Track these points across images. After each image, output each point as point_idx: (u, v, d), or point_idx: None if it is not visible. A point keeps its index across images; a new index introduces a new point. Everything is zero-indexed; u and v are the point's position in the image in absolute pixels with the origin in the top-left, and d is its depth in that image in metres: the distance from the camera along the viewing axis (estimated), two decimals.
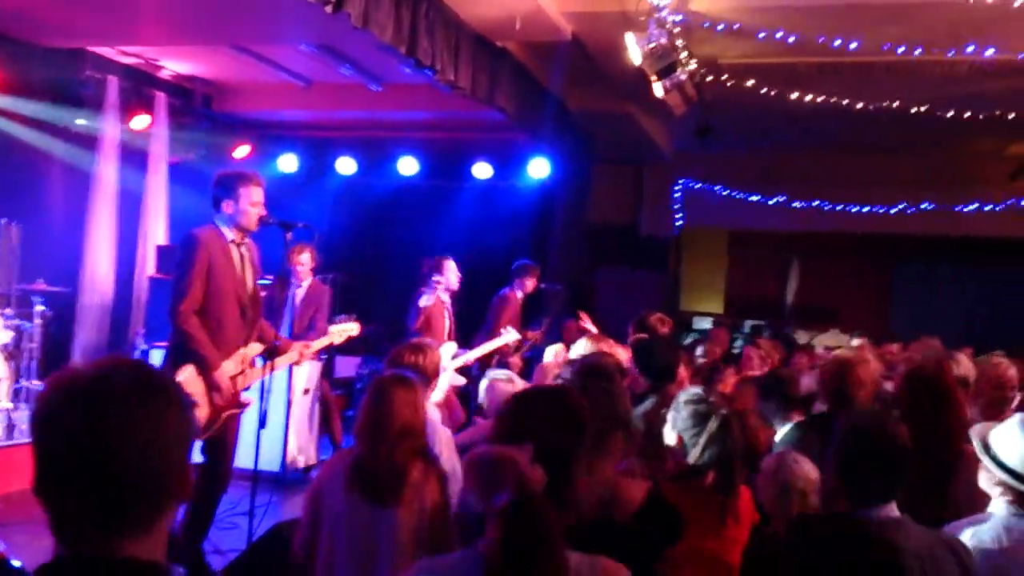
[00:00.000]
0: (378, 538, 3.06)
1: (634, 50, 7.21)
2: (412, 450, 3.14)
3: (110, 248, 9.19)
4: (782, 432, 4.06)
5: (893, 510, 2.44)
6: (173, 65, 9.75)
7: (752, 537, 3.11)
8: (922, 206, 12.45)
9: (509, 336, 7.54)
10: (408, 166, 11.30)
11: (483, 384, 4.49)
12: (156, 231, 9.72)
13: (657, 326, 5.72)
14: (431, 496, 3.09)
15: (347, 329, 5.42)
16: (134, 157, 9.53)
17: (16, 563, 2.46)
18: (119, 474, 1.24)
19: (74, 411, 1.25)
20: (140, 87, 9.54)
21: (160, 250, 9.21)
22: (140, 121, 9.46)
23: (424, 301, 7.22)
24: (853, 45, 7.30)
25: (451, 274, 7.50)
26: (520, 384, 4.00)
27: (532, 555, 1.75)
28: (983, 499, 3.23)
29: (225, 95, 10.68)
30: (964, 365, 4.81)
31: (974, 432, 2.70)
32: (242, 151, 10.99)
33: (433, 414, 3.87)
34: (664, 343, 4.58)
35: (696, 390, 3.23)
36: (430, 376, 3.88)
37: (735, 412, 3.26)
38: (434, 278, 7.31)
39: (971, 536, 2.53)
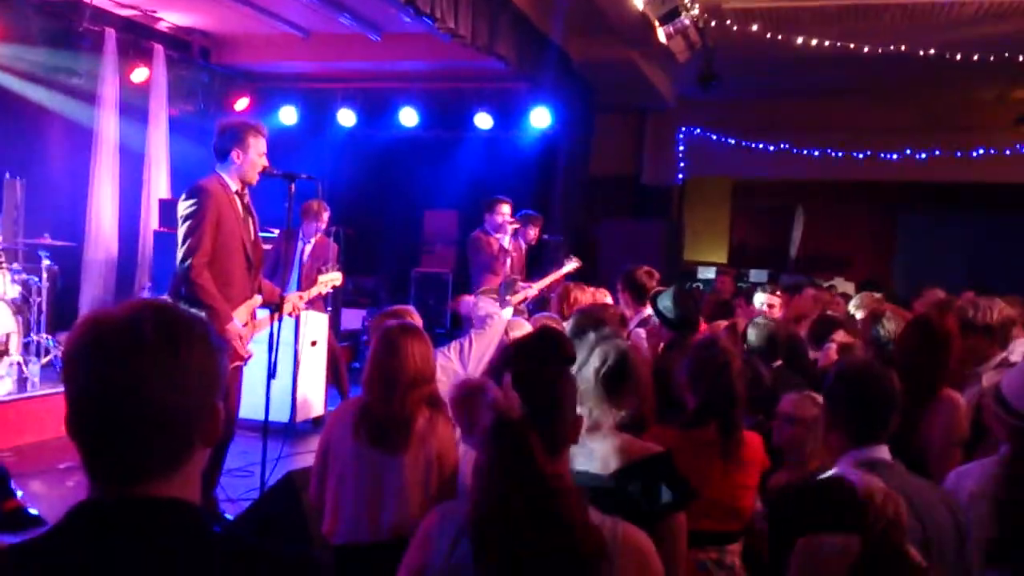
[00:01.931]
0: (384, 483, 3.12)
1: None
2: (421, 398, 3.18)
3: (113, 202, 9.19)
4: None
5: (885, 452, 2.52)
6: (171, 17, 9.65)
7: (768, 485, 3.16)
8: (926, 153, 12.39)
9: (570, 265, 7.63)
10: (409, 117, 11.23)
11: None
12: (158, 184, 9.70)
13: (645, 279, 5.72)
14: (437, 442, 3.14)
15: (332, 278, 5.51)
16: (134, 110, 9.48)
17: (33, 511, 2.51)
18: (148, 415, 1.26)
19: (103, 353, 1.26)
20: (138, 39, 9.46)
21: (163, 203, 9.21)
22: (139, 74, 9.40)
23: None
24: None
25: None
26: (523, 326, 4.04)
27: (515, 472, 1.74)
28: (946, 438, 3.31)
29: (224, 47, 10.59)
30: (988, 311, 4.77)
31: (987, 378, 2.74)
32: (242, 103, 10.93)
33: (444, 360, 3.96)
34: (684, 293, 4.60)
35: (710, 336, 3.25)
36: None
37: (739, 355, 3.28)
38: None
39: (980, 476, 2.57)
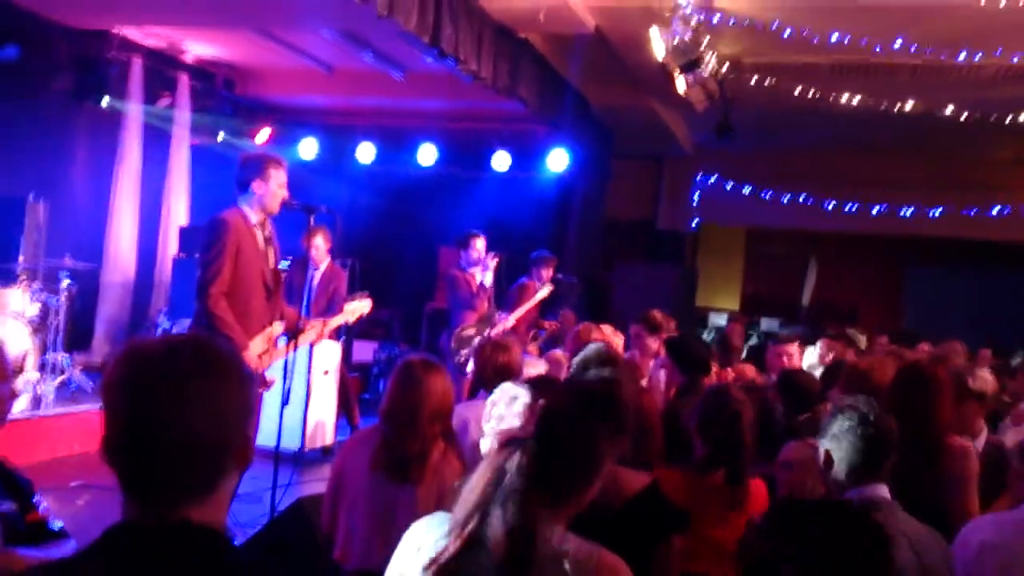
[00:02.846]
0: (397, 513, 3.16)
1: (658, 44, 7.26)
2: (438, 433, 3.23)
3: (133, 227, 9.32)
4: None
5: (884, 491, 2.58)
6: (196, 48, 9.84)
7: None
8: (938, 208, 12.45)
9: (544, 291, 7.78)
10: (427, 155, 11.36)
11: None
12: (178, 212, 9.84)
13: (664, 323, 5.80)
14: (451, 476, 3.18)
15: (360, 307, 5.47)
16: (157, 138, 9.65)
17: (58, 523, 2.55)
18: (183, 443, 1.31)
19: (143, 383, 1.32)
20: (164, 69, 9.66)
21: (183, 231, 9.33)
22: (163, 102, 9.58)
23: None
24: (878, 46, 7.31)
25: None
26: (538, 365, 4.08)
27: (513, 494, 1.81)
28: (965, 492, 3.33)
29: (247, 79, 10.77)
30: (982, 379, 4.85)
31: (1009, 437, 2.78)
32: (263, 135, 11.09)
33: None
34: (696, 338, 4.68)
35: (722, 385, 3.29)
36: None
37: (749, 404, 3.31)
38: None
39: (994, 527, 2.59)
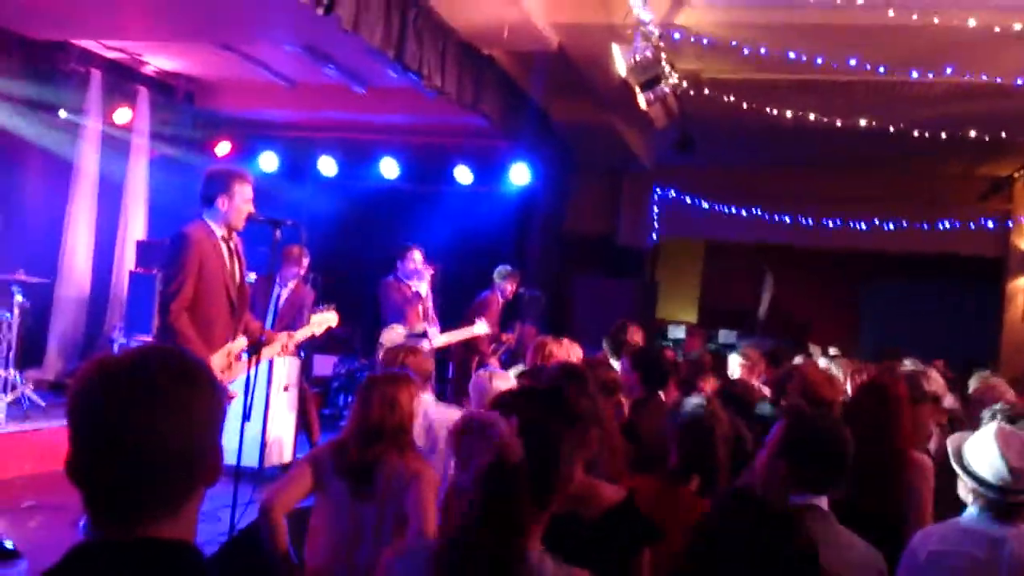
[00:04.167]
0: (361, 523, 3.18)
1: (619, 62, 7.34)
2: (402, 444, 3.27)
3: (89, 241, 9.18)
4: None
5: (822, 502, 2.61)
6: (156, 60, 9.74)
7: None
8: (893, 223, 12.70)
9: (480, 327, 7.68)
10: (389, 169, 11.35)
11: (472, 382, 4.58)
12: (136, 225, 9.71)
13: (631, 335, 5.86)
14: (414, 485, 3.19)
15: (327, 319, 5.46)
16: (115, 150, 9.52)
17: (8, 543, 2.50)
18: (155, 456, 1.29)
19: (109, 397, 1.30)
20: (123, 81, 9.54)
21: (140, 245, 9.20)
22: (122, 115, 9.47)
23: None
24: (835, 64, 7.46)
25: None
26: (506, 378, 4.09)
27: (505, 520, 1.78)
28: (921, 505, 3.42)
29: (208, 92, 10.68)
30: (935, 381, 4.97)
31: (950, 442, 2.84)
32: (223, 148, 11.00)
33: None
34: (658, 352, 4.73)
35: (700, 399, 3.32)
36: None
37: (724, 416, 3.35)
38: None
39: (939, 537, 2.66)
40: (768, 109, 8.62)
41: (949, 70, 7.62)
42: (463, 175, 11.17)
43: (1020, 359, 11.64)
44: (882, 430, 3.45)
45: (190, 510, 1.36)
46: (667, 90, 7.41)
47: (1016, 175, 11.57)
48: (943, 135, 8.85)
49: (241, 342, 4.74)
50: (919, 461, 3.57)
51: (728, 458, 3.21)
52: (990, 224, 12.79)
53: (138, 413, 1.29)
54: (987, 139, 8.90)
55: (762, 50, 7.38)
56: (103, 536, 1.31)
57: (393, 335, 7.28)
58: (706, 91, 8.54)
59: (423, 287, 7.61)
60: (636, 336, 5.68)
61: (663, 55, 7.27)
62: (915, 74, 7.76)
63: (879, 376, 3.93)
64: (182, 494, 1.34)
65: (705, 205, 13.41)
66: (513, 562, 1.82)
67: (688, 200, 13.58)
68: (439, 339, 7.44)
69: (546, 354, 5.47)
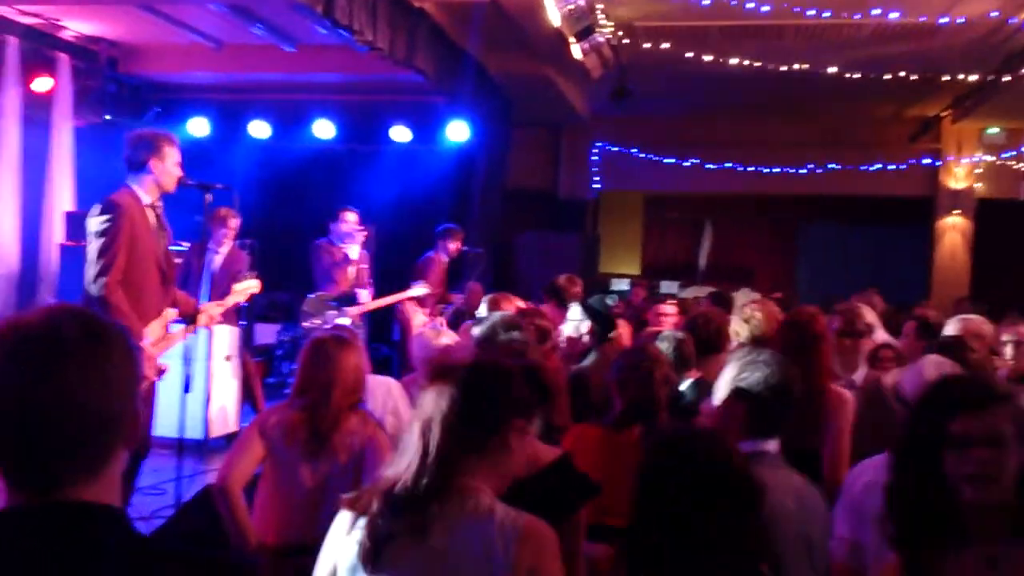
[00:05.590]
0: (316, 486, 3.17)
1: (552, 11, 7.26)
2: (352, 404, 3.26)
3: (15, 215, 8.86)
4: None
5: (773, 446, 2.63)
6: (76, 25, 9.37)
7: None
8: (827, 167, 12.89)
9: (416, 290, 7.64)
10: (324, 129, 11.13)
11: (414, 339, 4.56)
12: (63, 197, 9.40)
13: (568, 287, 5.86)
14: (368, 445, 3.18)
15: (249, 286, 5.35)
16: (37, 121, 9.17)
17: None
18: (72, 417, 1.26)
19: (25, 356, 1.25)
20: (41, 48, 9.17)
21: (69, 216, 8.92)
22: (42, 83, 9.11)
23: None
24: (765, 8, 7.48)
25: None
26: (450, 337, 4.07)
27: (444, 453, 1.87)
28: (839, 438, 3.49)
29: (131, 56, 10.33)
30: (868, 314, 5.06)
31: (889, 377, 2.90)
32: (151, 114, 10.68)
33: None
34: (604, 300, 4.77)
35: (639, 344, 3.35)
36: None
37: (663, 361, 3.39)
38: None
39: (874, 468, 2.72)
40: (702, 56, 8.63)
41: (876, 11, 7.70)
42: (400, 134, 11.01)
43: (949, 295, 11.97)
44: (803, 367, 3.49)
45: (111, 473, 1.32)
46: (601, 39, 7.38)
47: (943, 115, 11.80)
48: (872, 76, 8.97)
49: (171, 313, 4.62)
50: (839, 395, 3.63)
51: (667, 399, 3.24)
52: (920, 164, 13.07)
53: (49, 372, 1.24)
54: (914, 79, 9.04)
55: None
56: (21, 502, 1.27)
57: (316, 302, 7.22)
58: (640, 40, 8.51)
59: (354, 250, 7.52)
60: (574, 286, 5.69)
61: (596, 4, 7.22)
62: (844, 16, 7.83)
63: (798, 313, 3.98)
64: (100, 456, 1.30)
65: (643, 156, 13.46)
66: (453, 492, 1.88)
67: (626, 151, 13.61)
68: (370, 303, 7.39)
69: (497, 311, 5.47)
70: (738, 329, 4.18)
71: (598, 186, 13.97)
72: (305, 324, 7.14)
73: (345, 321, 6.68)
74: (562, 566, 1.95)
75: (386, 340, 9.79)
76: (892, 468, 2.11)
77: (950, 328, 4.65)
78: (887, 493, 2.07)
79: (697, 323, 4.33)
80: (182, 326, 4.73)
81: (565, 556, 2.01)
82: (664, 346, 4.30)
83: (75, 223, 8.73)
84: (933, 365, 3.01)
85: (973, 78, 9.24)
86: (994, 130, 12.69)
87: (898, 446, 2.14)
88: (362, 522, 1.93)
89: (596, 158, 13.88)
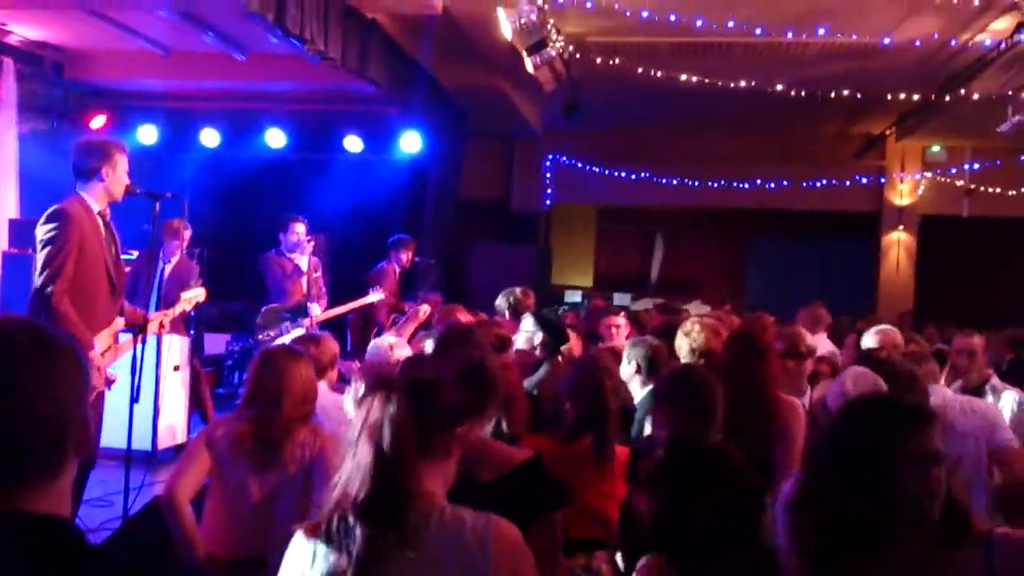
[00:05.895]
0: (267, 499, 3.15)
1: (505, 25, 7.32)
2: (302, 416, 3.24)
3: None
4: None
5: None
6: (21, 30, 9.19)
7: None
8: (775, 182, 13.14)
9: (373, 296, 7.66)
10: (275, 138, 11.05)
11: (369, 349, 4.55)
12: (7, 203, 9.20)
13: (522, 299, 5.92)
14: (320, 458, 3.17)
15: (196, 294, 5.33)
16: None
17: None
18: (23, 424, 1.26)
19: None
20: None
21: (13, 224, 8.73)
22: None
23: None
24: (714, 26, 7.63)
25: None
26: (405, 347, 4.07)
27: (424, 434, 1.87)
28: (789, 446, 3.56)
29: (78, 62, 10.16)
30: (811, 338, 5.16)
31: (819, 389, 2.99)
32: (98, 121, 10.48)
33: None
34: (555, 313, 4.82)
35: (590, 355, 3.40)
36: None
37: (614, 372, 3.44)
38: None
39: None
40: (652, 72, 8.76)
41: (822, 31, 7.89)
42: (353, 144, 10.98)
43: (894, 309, 12.27)
44: (752, 376, 3.57)
45: (62, 484, 1.32)
46: (553, 54, 7.45)
47: (888, 132, 12.12)
48: (819, 94, 9.17)
49: (119, 322, 4.56)
50: (790, 403, 3.70)
51: (619, 408, 3.29)
52: (865, 181, 13.39)
53: (3, 379, 1.25)
54: (859, 96, 9.26)
55: (644, 13, 7.48)
56: None
57: (270, 314, 7.17)
58: (592, 55, 8.61)
59: (304, 260, 7.47)
60: (528, 299, 5.76)
61: (548, 19, 7.29)
62: (790, 35, 8.01)
63: (746, 326, 4.06)
64: (51, 466, 1.30)
65: (595, 169, 13.59)
66: (415, 499, 1.86)
67: (579, 165, 13.73)
68: (322, 314, 7.35)
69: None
70: (680, 343, 4.24)
71: (550, 199, 14.07)
72: (260, 336, 7.07)
73: (299, 332, 6.63)
74: (535, 564, 1.94)
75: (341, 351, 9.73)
76: (812, 480, 2.07)
77: (869, 340, 4.82)
78: (804, 505, 2.04)
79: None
80: (130, 336, 4.67)
81: (541, 556, 2.00)
82: (638, 351, 4.35)
83: (19, 230, 8.57)
84: (854, 378, 3.12)
85: (916, 97, 9.49)
86: (936, 148, 13.06)
87: (820, 458, 2.11)
88: (324, 549, 1.86)
89: (549, 171, 13.98)
